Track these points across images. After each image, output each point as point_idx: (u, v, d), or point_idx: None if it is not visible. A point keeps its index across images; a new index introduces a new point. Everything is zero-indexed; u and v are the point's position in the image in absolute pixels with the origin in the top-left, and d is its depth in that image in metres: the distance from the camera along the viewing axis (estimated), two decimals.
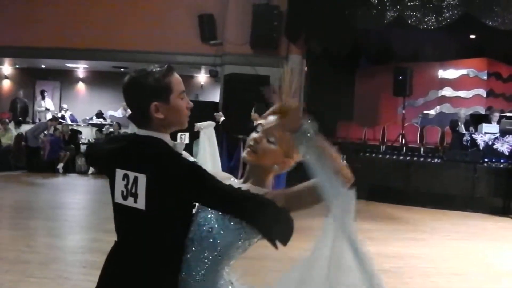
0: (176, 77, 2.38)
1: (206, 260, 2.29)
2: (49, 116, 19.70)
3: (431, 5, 13.71)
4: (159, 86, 2.31)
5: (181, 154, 2.40)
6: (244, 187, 2.40)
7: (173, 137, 2.42)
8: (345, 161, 2.39)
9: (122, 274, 2.38)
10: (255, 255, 7.00)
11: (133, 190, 2.31)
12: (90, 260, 6.91)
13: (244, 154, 2.41)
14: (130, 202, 2.34)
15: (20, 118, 19.15)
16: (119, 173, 2.36)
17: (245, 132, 9.68)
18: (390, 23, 14.17)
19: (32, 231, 8.50)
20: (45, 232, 8.46)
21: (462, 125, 14.22)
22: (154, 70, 2.33)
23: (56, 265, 6.65)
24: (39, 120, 20.02)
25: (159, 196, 2.27)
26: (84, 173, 17.05)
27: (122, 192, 2.36)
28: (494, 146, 13.03)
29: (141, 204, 2.31)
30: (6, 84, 22.23)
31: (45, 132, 17.52)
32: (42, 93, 20.83)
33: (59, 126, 18.15)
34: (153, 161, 2.28)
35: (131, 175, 2.31)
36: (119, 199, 2.39)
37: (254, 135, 2.43)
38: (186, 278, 2.30)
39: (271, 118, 2.41)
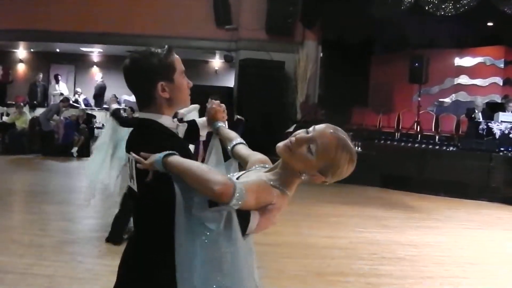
0: (177, 56, 2.41)
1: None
2: None
3: None
4: (164, 66, 2.34)
5: (174, 137, 2.40)
6: (255, 176, 2.34)
7: None
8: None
9: (124, 260, 2.42)
10: (269, 241, 7.01)
11: (132, 172, 2.34)
12: (104, 244, 6.93)
13: (280, 144, 2.29)
14: (131, 184, 2.39)
15: (35, 102, 19.17)
16: (128, 156, 2.38)
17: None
18: (406, 10, 14.02)
19: (46, 215, 8.53)
20: (59, 217, 8.47)
21: (480, 114, 14.09)
22: (155, 50, 2.35)
23: (70, 249, 6.67)
24: None
25: (144, 179, 2.22)
26: None
27: (129, 174, 2.40)
28: (511, 135, 12.90)
29: (135, 186, 2.34)
30: (21, 67, 22.30)
31: (57, 115, 17.48)
32: (56, 77, 20.84)
33: (74, 111, 18.18)
34: (139, 143, 2.29)
35: (131, 157, 2.31)
36: (129, 181, 2.43)
37: (300, 133, 2.28)
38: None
39: (324, 129, 2.28)
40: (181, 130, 2.49)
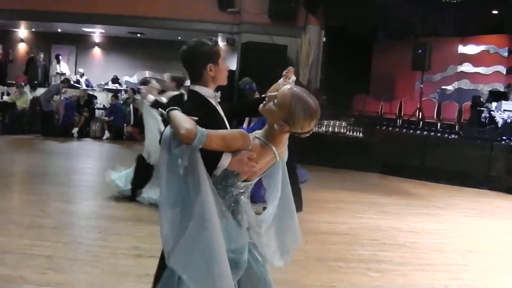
0: (221, 46, 3.19)
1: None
2: None
3: None
4: (212, 52, 3.10)
5: (205, 104, 3.05)
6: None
7: None
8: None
9: None
10: None
11: None
12: (104, 225, 6.93)
13: (261, 105, 2.95)
14: None
15: (36, 82, 19.07)
16: None
17: None
18: None
19: (46, 196, 8.50)
20: (59, 198, 8.45)
21: (485, 101, 14.03)
22: (206, 41, 3.11)
23: (70, 230, 6.66)
24: None
25: None
26: (98, 138, 17.07)
27: None
28: None
29: None
30: (22, 47, 22.20)
31: (57, 95, 17.40)
32: (57, 57, 20.71)
33: (75, 91, 18.12)
34: (183, 106, 2.91)
35: None
36: None
37: (273, 93, 2.94)
38: None
39: (284, 87, 2.93)
40: (215, 99, 3.13)
